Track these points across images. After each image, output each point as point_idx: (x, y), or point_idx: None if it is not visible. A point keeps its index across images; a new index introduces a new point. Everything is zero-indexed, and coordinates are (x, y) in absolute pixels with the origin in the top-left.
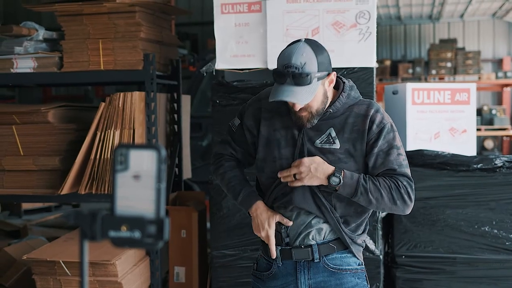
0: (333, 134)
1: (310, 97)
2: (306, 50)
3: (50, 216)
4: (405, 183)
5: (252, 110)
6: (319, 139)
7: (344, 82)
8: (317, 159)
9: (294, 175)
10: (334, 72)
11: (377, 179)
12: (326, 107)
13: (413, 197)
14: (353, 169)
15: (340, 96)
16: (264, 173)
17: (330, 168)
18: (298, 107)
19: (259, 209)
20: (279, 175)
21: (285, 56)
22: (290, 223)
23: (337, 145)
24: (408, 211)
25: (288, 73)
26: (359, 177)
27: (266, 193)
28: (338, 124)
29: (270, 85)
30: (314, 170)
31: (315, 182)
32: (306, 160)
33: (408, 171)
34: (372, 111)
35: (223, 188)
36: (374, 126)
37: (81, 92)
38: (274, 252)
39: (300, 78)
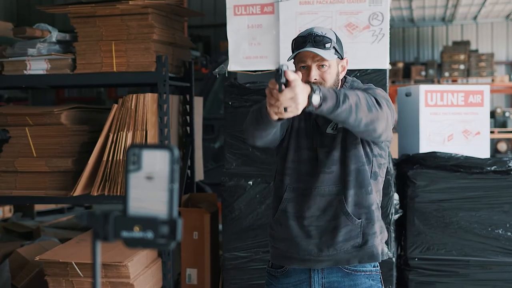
0: None
1: (330, 58)
2: (326, 28)
3: (63, 217)
4: (378, 93)
5: None
6: (330, 126)
7: (346, 77)
8: (298, 83)
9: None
10: (347, 60)
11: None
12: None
13: (384, 105)
14: (356, 146)
15: (344, 85)
16: (291, 162)
17: (308, 87)
18: (314, 74)
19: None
20: (270, 85)
21: (305, 30)
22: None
23: (340, 124)
24: (381, 124)
25: (310, 36)
26: (333, 90)
27: (290, 182)
28: None
29: None
30: (301, 93)
31: (304, 95)
32: (297, 86)
33: (381, 98)
34: (365, 86)
35: (253, 125)
36: (361, 88)
37: (93, 94)
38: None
39: (321, 42)
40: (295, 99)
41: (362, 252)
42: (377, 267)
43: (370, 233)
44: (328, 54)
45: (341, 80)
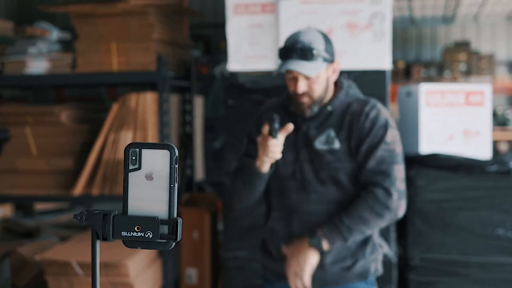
0: (333, 134)
1: (316, 72)
2: (314, 31)
3: (63, 216)
4: (384, 184)
5: (256, 122)
6: (318, 140)
7: (342, 81)
8: (293, 251)
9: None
10: (338, 61)
11: (354, 206)
12: (325, 103)
13: (396, 197)
14: (351, 168)
15: (338, 93)
16: (273, 179)
17: (306, 244)
18: (301, 86)
19: None
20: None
21: (292, 35)
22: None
23: (336, 145)
24: (400, 213)
25: (295, 48)
26: (335, 224)
27: (275, 200)
28: (336, 124)
29: (282, 87)
30: (303, 260)
31: (313, 261)
32: (290, 260)
33: (393, 167)
34: (367, 108)
35: (240, 190)
36: (367, 122)
37: (94, 93)
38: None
39: (307, 53)
40: (301, 270)
41: (350, 273)
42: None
43: (360, 254)
44: (313, 68)
45: (336, 84)
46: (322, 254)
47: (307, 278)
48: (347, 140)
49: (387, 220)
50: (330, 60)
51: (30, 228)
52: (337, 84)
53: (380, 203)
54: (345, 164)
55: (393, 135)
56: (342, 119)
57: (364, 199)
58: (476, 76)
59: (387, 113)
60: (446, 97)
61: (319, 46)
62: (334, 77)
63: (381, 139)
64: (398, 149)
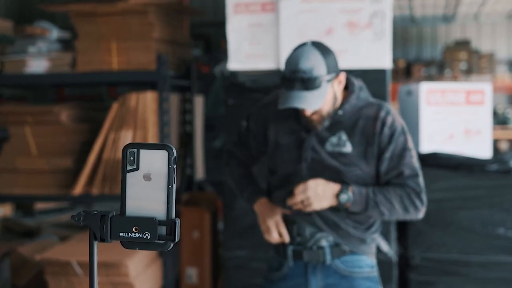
0: (344, 137)
1: (321, 101)
2: (313, 53)
3: (63, 216)
4: (417, 188)
5: (258, 116)
6: (329, 142)
7: (353, 83)
8: (321, 180)
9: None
10: (343, 73)
11: (387, 189)
12: (336, 108)
13: (425, 200)
14: (366, 171)
15: (349, 97)
16: (275, 176)
17: (337, 186)
18: (309, 112)
19: (263, 208)
20: (288, 203)
21: (292, 61)
22: (289, 212)
23: (348, 148)
24: (420, 216)
25: (296, 78)
26: (367, 192)
27: (277, 196)
28: (349, 127)
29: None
30: (322, 191)
31: (325, 204)
32: (311, 183)
33: (419, 173)
34: (382, 113)
35: (231, 184)
36: (386, 129)
37: (94, 93)
38: (287, 238)
39: (309, 83)
40: (319, 191)
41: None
42: (374, 267)
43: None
44: (318, 97)
45: (346, 86)
46: (337, 206)
47: (311, 208)
48: (362, 144)
49: (407, 217)
50: (334, 77)
51: (30, 227)
52: (348, 86)
53: (411, 202)
54: (358, 168)
55: (411, 140)
56: (354, 123)
57: (399, 193)
58: (477, 75)
59: (399, 116)
60: (446, 96)
61: (320, 71)
62: (341, 87)
63: (405, 147)
64: (416, 155)
